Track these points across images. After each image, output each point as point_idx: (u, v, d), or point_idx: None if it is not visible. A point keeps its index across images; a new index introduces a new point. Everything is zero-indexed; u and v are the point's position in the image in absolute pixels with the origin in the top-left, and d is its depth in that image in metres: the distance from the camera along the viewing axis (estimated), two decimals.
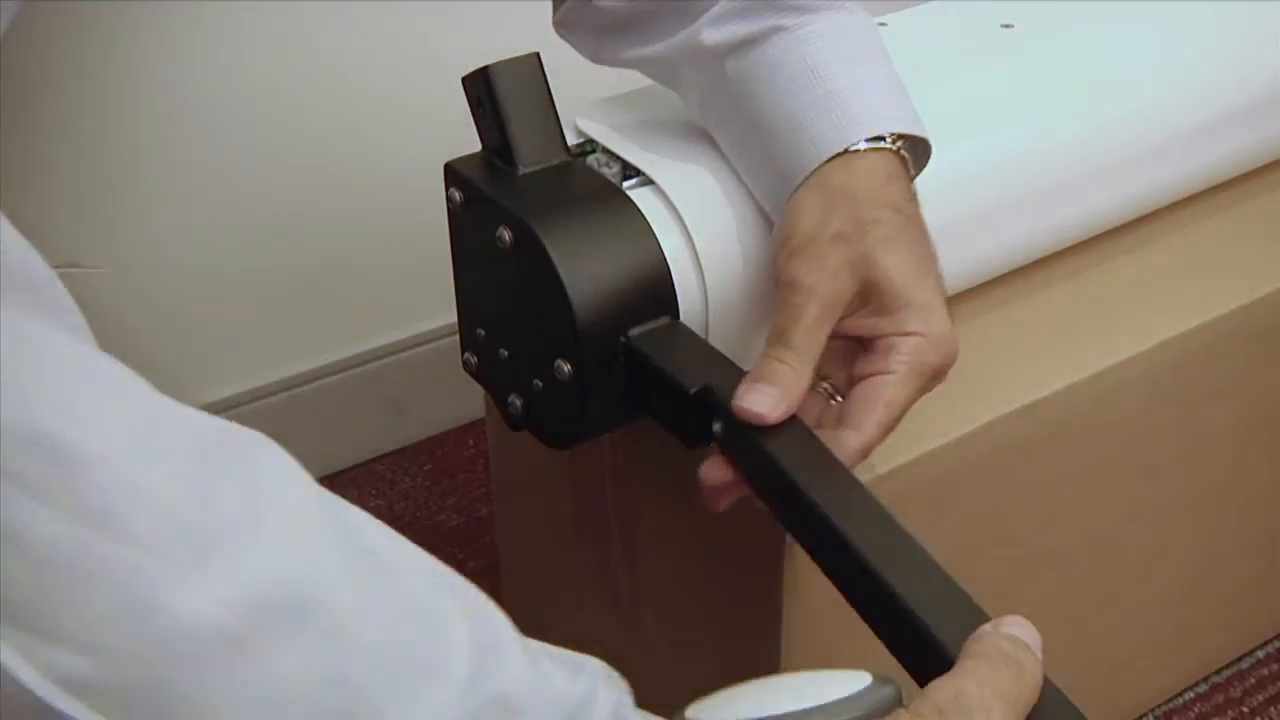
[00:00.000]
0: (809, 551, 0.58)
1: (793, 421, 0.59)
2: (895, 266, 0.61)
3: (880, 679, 0.48)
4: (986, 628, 0.48)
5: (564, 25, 0.73)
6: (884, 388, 0.61)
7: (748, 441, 0.59)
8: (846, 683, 0.47)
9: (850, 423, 0.60)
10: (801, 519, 0.57)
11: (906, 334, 0.61)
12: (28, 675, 0.36)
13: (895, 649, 0.52)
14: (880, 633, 0.53)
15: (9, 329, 0.36)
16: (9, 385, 0.36)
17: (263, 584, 0.38)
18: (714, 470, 0.62)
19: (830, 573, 0.56)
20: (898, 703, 0.47)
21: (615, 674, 0.47)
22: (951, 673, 0.46)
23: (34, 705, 0.36)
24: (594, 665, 0.47)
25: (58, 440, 0.36)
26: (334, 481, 1.21)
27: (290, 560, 0.39)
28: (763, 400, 0.58)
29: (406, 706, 0.40)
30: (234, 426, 0.41)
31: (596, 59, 0.73)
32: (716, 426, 0.61)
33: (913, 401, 0.62)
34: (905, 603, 0.51)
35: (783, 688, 0.48)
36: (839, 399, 0.64)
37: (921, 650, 0.50)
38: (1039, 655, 0.47)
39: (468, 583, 0.44)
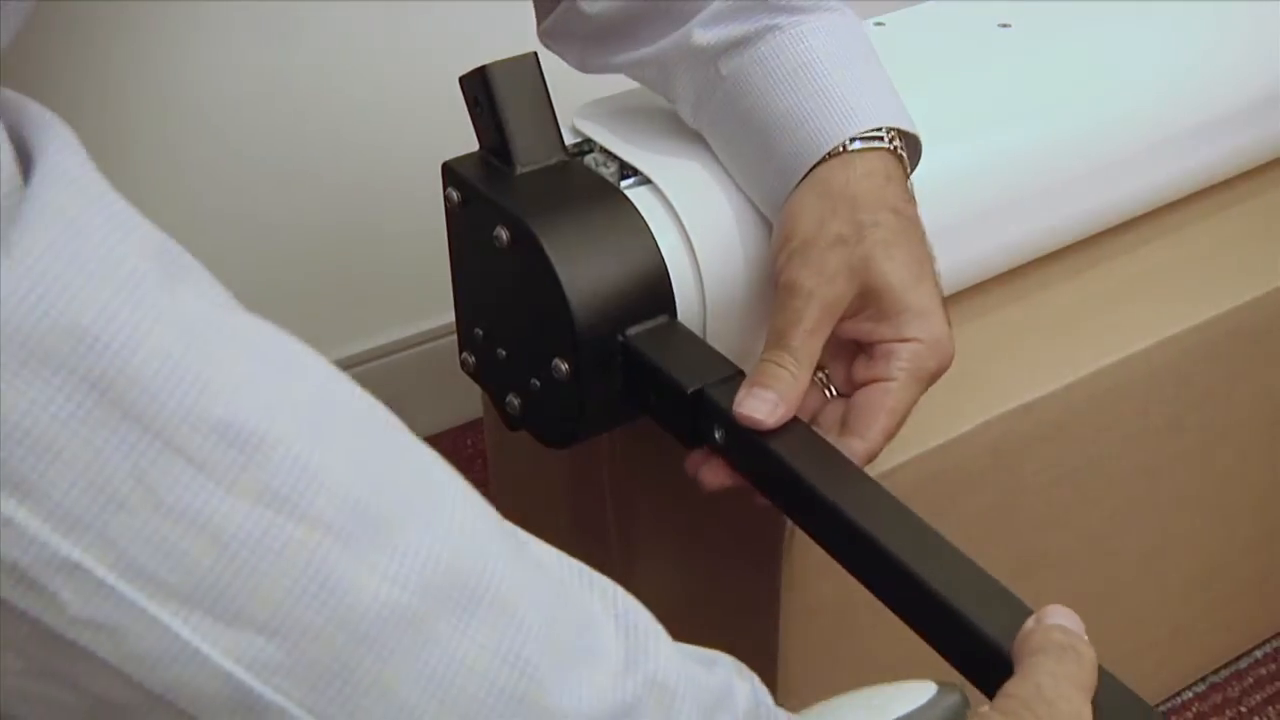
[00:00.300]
0: (833, 553, 0.58)
1: (793, 423, 0.60)
2: (894, 271, 0.61)
3: (945, 687, 0.50)
4: (1031, 623, 0.49)
5: (550, 35, 0.73)
6: (886, 395, 0.61)
7: (751, 445, 0.59)
8: (914, 694, 0.49)
9: (855, 430, 0.61)
10: (822, 522, 0.57)
11: (905, 340, 0.61)
12: (219, 658, 0.37)
13: (940, 646, 0.52)
14: (919, 628, 0.54)
15: (178, 316, 0.37)
16: (185, 375, 0.36)
17: (438, 564, 0.39)
18: (712, 474, 0.62)
19: (856, 571, 0.57)
20: (965, 707, 0.49)
21: (744, 666, 0.48)
22: (1022, 671, 0.47)
23: (224, 689, 0.37)
24: (725, 659, 0.48)
25: (238, 426, 0.37)
26: None
27: (460, 542, 0.40)
28: (761, 406, 0.59)
29: (571, 686, 0.41)
30: (378, 403, 0.42)
31: (584, 67, 0.73)
32: (718, 434, 0.61)
33: (914, 404, 0.62)
34: (947, 601, 0.51)
35: (852, 705, 0.49)
36: (833, 390, 0.64)
37: (970, 647, 0.51)
38: (1086, 639, 0.49)
39: (604, 577, 0.46)
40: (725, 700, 0.45)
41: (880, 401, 0.61)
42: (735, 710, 0.45)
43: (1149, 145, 0.80)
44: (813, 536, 0.59)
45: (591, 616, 0.43)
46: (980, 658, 0.50)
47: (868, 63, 0.66)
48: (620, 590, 0.46)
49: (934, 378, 0.63)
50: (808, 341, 0.60)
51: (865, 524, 0.55)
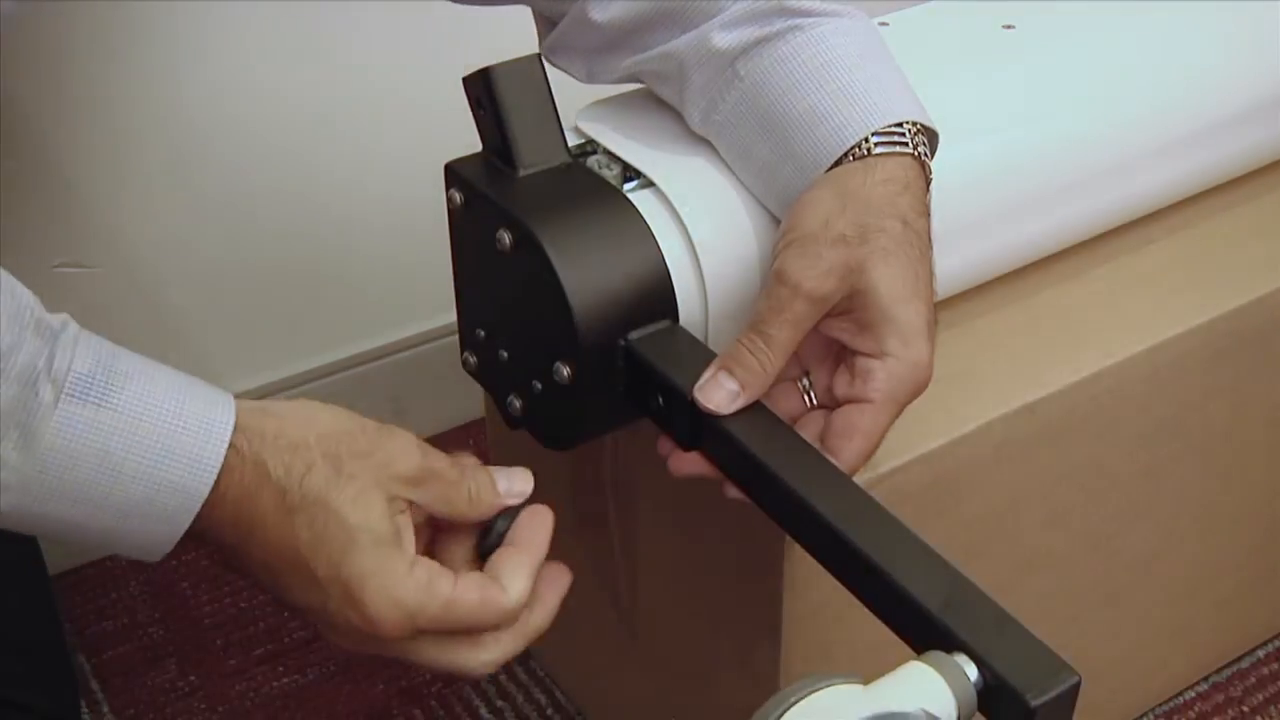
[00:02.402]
0: (783, 526, 0.60)
1: (753, 406, 0.61)
2: (886, 281, 0.60)
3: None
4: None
5: (554, 51, 0.73)
6: (861, 417, 0.61)
7: (712, 428, 0.60)
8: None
9: (831, 451, 0.61)
10: (778, 501, 0.59)
11: (884, 355, 0.61)
12: None
13: (881, 613, 0.55)
14: (865, 599, 0.56)
15: None
16: None
17: None
18: (682, 462, 0.63)
19: (802, 539, 0.59)
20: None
21: (65, 327, 0.52)
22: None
23: None
24: (35, 322, 0.51)
25: None
26: None
27: None
28: (718, 395, 0.60)
29: None
30: None
31: (591, 79, 0.73)
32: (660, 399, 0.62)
33: (891, 425, 0.62)
34: (887, 573, 0.54)
35: None
36: (813, 398, 0.64)
37: (903, 610, 0.53)
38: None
39: None
40: (6, 358, 0.50)
41: (856, 423, 0.61)
42: (9, 371, 0.50)
43: (1151, 146, 0.80)
44: (771, 515, 0.60)
45: None
46: (912, 620, 0.53)
47: (886, 63, 0.66)
48: None
49: (910, 399, 0.62)
50: (785, 331, 0.60)
51: (822, 508, 0.56)
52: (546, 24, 0.74)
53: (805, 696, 0.48)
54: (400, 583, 0.55)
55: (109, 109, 1.01)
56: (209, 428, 0.54)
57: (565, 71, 0.73)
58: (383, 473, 0.57)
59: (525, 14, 0.76)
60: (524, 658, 1.04)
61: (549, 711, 1.00)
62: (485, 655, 0.59)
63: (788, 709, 0.48)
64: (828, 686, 0.48)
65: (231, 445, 0.54)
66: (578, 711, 1.00)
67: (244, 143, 1.07)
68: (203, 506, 0.54)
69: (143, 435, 0.53)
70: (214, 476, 0.54)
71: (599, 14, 0.69)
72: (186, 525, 0.54)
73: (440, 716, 1.00)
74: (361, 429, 0.58)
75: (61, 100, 0.99)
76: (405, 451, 0.58)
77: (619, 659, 0.91)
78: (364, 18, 1.08)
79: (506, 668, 1.03)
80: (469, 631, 0.58)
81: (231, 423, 0.54)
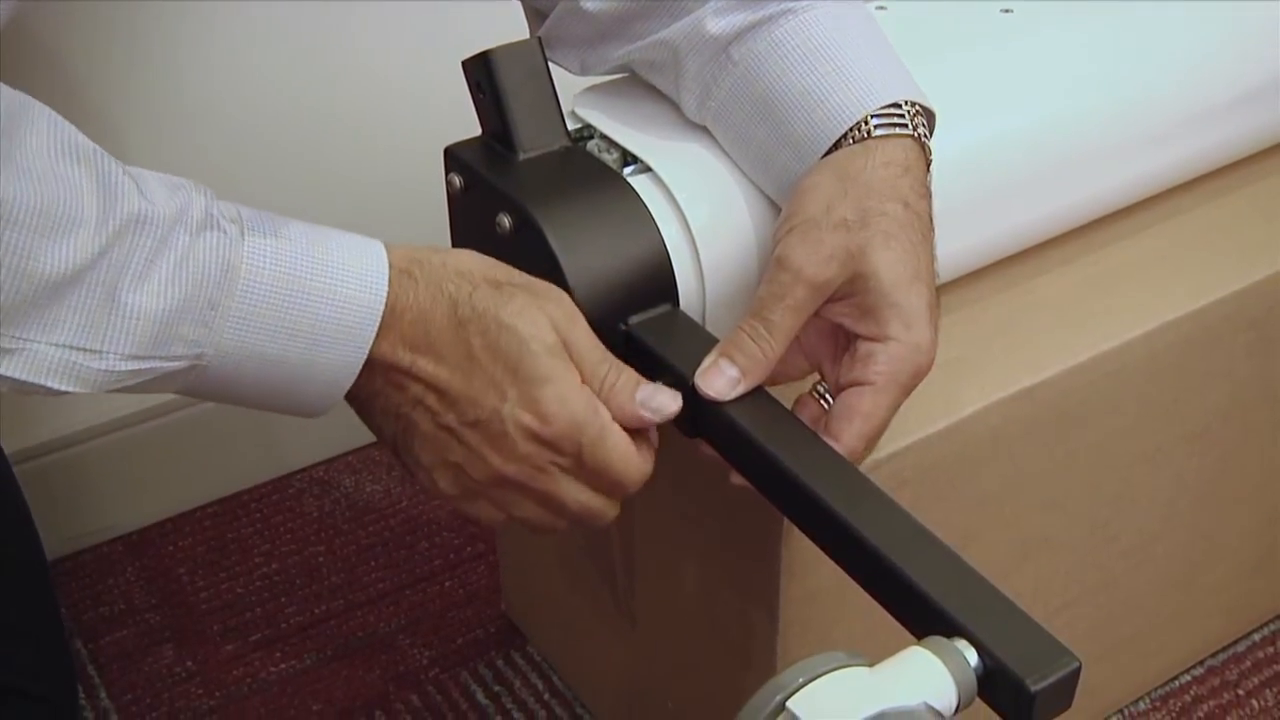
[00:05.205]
0: (783, 510, 0.60)
1: (754, 391, 0.61)
2: (888, 265, 0.60)
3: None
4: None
5: (546, 44, 0.72)
6: (861, 399, 0.61)
7: (713, 413, 0.60)
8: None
9: (831, 433, 0.61)
10: (771, 482, 0.59)
11: (886, 339, 0.61)
12: None
13: (881, 599, 0.56)
14: (864, 584, 0.56)
15: None
16: None
17: None
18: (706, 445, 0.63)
19: (801, 524, 0.59)
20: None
21: (205, 187, 0.57)
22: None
23: None
24: (188, 183, 0.57)
25: None
26: (332, 466, 1.21)
27: None
28: (719, 383, 0.60)
29: (57, 249, 0.52)
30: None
31: (584, 71, 0.73)
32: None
33: (894, 409, 0.62)
34: (887, 558, 0.54)
35: None
36: (828, 400, 0.64)
37: (906, 598, 0.54)
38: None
39: (89, 143, 0.54)
40: (184, 216, 0.55)
41: (856, 405, 0.61)
42: (190, 223, 0.55)
43: (1149, 131, 0.80)
44: (771, 500, 0.60)
45: (74, 189, 0.52)
46: (912, 605, 0.53)
47: (881, 45, 0.66)
48: (107, 156, 0.54)
49: (913, 383, 0.62)
50: (787, 317, 0.60)
51: (822, 492, 0.56)
52: (538, 18, 0.73)
53: (812, 680, 0.48)
54: (575, 390, 0.59)
55: (104, 109, 1.01)
56: (365, 248, 0.59)
57: (558, 64, 0.73)
58: (540, 301, 0.60)
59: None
60: (521, 643, 1.04)
61: (546, 697, 1.01)
62: (612, 512, 0.63)
63: (795, 691, 0.48)
64: (832, 670, 0.48)
65: (406, 273, 0.59)
66: (575, 697, 1.00)
67: (239, 134, 1.07)
68: (382, 325, 0.58)
69: (318, 259, 0.57)
70: (384, 289, 0.58)
71: (591, 3, 0.68)
72: (371, 339, 0.58)
73: (437, 702, 1.00)
74: (520, 273, 0.61)
75: (58, 99, 0.98)
76: (559, 302, 0.60)
77: (616, 645, 0.91)
78: (363, 5, 1.07)
79: (504, 653, 1.04)
80: (607, 472, 0.61)
81: (380, 243, 0.60)
